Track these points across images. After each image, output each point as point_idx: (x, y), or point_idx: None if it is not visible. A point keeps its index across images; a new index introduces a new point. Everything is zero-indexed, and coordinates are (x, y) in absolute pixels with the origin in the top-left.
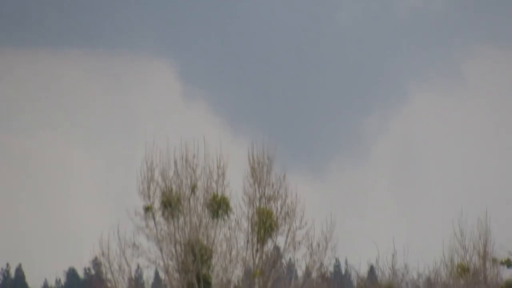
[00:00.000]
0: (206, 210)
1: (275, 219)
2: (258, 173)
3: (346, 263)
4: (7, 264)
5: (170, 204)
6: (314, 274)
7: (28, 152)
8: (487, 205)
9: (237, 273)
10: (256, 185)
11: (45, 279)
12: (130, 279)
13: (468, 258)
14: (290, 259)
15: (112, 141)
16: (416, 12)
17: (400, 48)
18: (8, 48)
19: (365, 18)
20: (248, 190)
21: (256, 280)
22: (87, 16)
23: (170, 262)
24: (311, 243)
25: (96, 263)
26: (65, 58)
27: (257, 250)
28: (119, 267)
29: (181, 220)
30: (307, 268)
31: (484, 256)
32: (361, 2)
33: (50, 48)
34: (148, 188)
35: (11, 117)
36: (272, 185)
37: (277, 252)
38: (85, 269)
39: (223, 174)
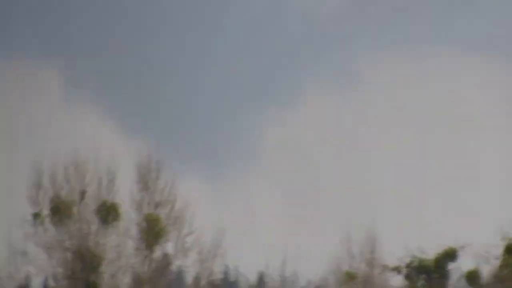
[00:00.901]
0: (96, 217)
1: (163, 225)
2: (146, 178)
3: (236, 269)
4: None
5: (59, 211)
6: (203, 281)
7: None
8: (374, 213)
9: (126, 280)
10: (144, 191)
11: None
12: (18, 287)
13: (355, 265)
14: (179, 266)
15: (0, 147)
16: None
17: (292, 51)
18: None
19: (254, 17)
20: (136, 196)
21: (145, 287)
22: None
23: (59, 269)
24: (201, 249)
25: None
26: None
27: (146, 257)
28: (8, 274)
29: (71, 227)
30: (196, 275)
31: (371, 263)
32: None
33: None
34: (37, 194)
35: None
36: (161, 191)
37: (166, 259)
38: None
39: (113, 180)
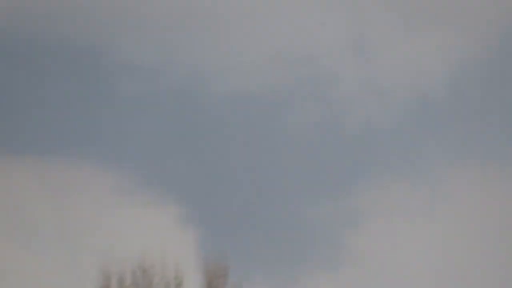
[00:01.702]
0: None
1: None
2: (213, 283)
3: None
4: None
5: None
6: None
7: None
8: None
9: None
10: None
11: None
12: None
13: None
14: None
15: (68, 250)
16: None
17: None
18: None
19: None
20: None
21: None
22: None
23: None
24: None
25: None
26: (14, 165)
27: None
28: None
29: None
30: None
31: None
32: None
33: (1, 154)
34: None
35: None
36: None
37: None
38: None
39: (180, 284)
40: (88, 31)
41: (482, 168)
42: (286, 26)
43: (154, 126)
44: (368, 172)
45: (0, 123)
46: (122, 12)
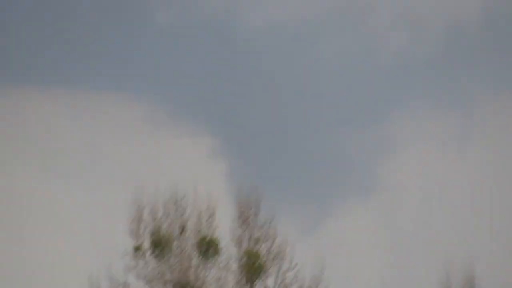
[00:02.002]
0: (196, 251)
1: (263, 261)
2: (246, 214)
3: None
4: None
5: (160, 244)
6: None
7: (14, 193)
8: (472, 254)
9: None
10: (244, 226)
11: None
12: None
13: None
14: None
15: (100, 182)
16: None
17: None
18: None
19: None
20: (236, 232)
21: None
22: (75, 55)
23: None
24: (301, 285)
25: None
26: (45, 97)
27: None
28: None
29: (171, 260)
30: None
31: None
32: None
33: (34, 87)
34: (138, 228)
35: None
36: (261, 226)
37: None
38: None
39: (213, 215)
40: None
41: None
42: None
43: (189, 57)
44: (402, 101)
45: (34, 57)
46: None
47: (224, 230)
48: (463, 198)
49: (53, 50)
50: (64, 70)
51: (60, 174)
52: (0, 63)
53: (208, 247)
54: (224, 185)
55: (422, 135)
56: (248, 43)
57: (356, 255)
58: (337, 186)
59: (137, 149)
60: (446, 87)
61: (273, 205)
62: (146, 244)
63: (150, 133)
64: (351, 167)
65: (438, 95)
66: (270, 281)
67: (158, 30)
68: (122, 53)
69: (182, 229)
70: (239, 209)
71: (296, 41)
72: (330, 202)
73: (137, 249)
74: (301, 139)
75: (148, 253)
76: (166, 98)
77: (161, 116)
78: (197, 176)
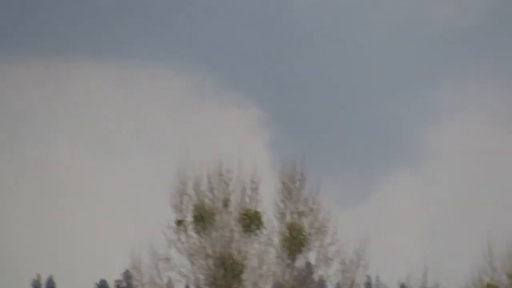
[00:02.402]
0: (239, 225)
1: (306, 235)
2: (289, 188)
3: (377, 280)
4: (38, 275)
5: (203, 218)
6: None
7: (60, 163)
8: None
9: None
10: (287, 200)
11: None
12: None
13: (497, 278)
14: (321, 275)
15: (144, 154)
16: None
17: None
18: (25, 55)
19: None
20: (279, 206)
21: None
22: (114, 26)
23: (201, 276)
24: (343, 259)
25: (127, 275)
26: (93, 68)
27: (288, 266)
28: (151, 279)
29: (213, 234)
30: (338, 285)
31: None
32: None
33: (78, 57)
34: (181, 201)
35: (37, 127)
36: (304, 201)
37: (308, 268)
38: (116, 282)
39: (256, 188)
40: None
41: None
42: None
43: (236, 29)
44: (450, 70)
45: (84, 28)
46: None
47: (268, 204)
48: (508, 169)
49: (102, 21)
50: (114, 42)
51: (105, 145)
52: (51, 33)
53: (251, 221)
54: (269, 158)
55: (471, 104)
56: (296, 14)
57: (399, 227)
58: (385, 155)
59: (183, 120)
60: (493, 57)
61: (318, 179)
62: (189, 218)
63: (196, 104)
64: (397, 136)
65: (485, 65)
66: (312, 256)
67: (207, 2)
68: (171, 25)
69: (226, 203)
70: (283, 183)
71: (345, 10)
72: (376, 173)
73: (179, 223)
74: (347, 109)
75: (190, 227)
76: (212, 70)
77: (206, 88)
78: (241, 149)
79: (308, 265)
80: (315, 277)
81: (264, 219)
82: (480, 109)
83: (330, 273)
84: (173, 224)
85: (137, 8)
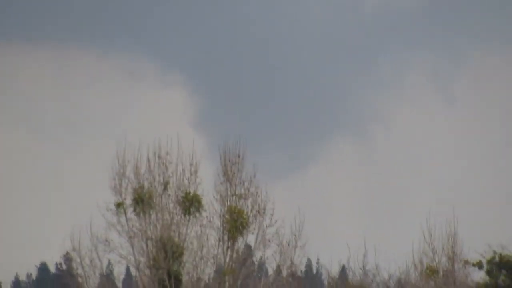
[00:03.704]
0: (178, 207)
1: (246, 217)
2: (229, 171)
3: (317, 262)
4: None
5: (142, 201)
6: (284, 273)
7: (0, 147)
8: (454, 207)
9: (208, 271)
10: (227, 183)
11: (16, 274)
12: (101, 275)
13: (437, 259)
14: (261, 257)
15: (83, 136)
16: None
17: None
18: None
19: (335, 14)
20: (219, 188)
21: (227, 278)
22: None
23: (142, 258)
24: (281, 241)
25: (67, 258)
26: (37, 50)
27: (228, 248)
28: (91, 262)
29: (153, 216)
30: (277, 266)
31: (452, 258)
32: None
33: (20, 41)
34: (120, 184)
35: None
36: (243, 184)
37: (247, 250)
38: (56, 264)
39: (196, 171)
40: None
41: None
42: None
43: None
44: (387, 47)
45: (16, 12)
46: None
47: (207, 186)
48: (448, 143)
49: (35, 3)
50: (46, 23)
51: (42, 127)
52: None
53: (190, 204)
54: (208, 140)
55: (409, 77)
56: None
57: (338, 205)
58: (324, 125)
59: (120, 102)
60: (430, 35)
61: (255, 160)
62: (129, 200)
63: (133, 85)
64: (338, 102)
65: (422, 42)
66: (251, 238)
67: None
68: (100, 5)
69: (165, 186)
70: (222, 165)
71: None
72: (315, 143)
73: (119, 205)
74: (286, 81)
75: (130, 210)
76: (141, 48)
77: (144, 68)
78: (180, 131)
79: (248, 247)
80: (255, 259)
81: (204, 201)
82: (420, 75)
83: (268, 255)
84: (113, 207)
85: None
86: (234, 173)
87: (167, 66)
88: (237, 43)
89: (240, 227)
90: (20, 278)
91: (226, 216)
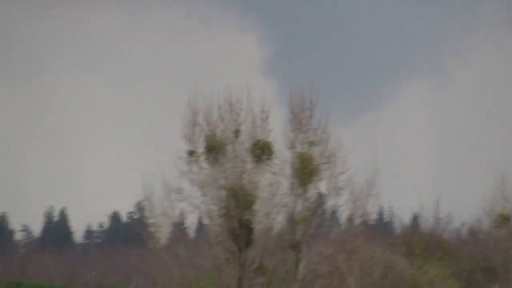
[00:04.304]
0: (250, 155)
1: (316, 164)
2: (299, 117)
3: (390, 210)
4: (51, 207)
5: (214, 149)
6: (357, 221)
7: (72, 95)
8: None
9: (280, 219)
10: (297, 130)
11: (88, 223)
12: (173, 224)
13: (509, 207)
14: (333, 205)
15: (156, 85)
16: None
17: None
18: None
19: None
20: (290, 135)
21: (298, 226)
22: None
23: (213, 207)
24: (354, 189)
25: (139, 207)
26: (104, 3)
27: (299, 196)
28: (163, 211)
29: (225, 165)
30: (350, 215)
31: None
32: None
33: None
34: (192, 132)
35: (53, 59)
36: (314, 130)
37: (319, 198)
38: (128, 213)
39: (267, 119)
40: None
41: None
42: None
43: None
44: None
45: None
46: None
47: (278, 134)
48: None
49: None
50: None
51: (114, 76)
52: None
53: (262, 151)
54: (279, 88)
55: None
56: None
57: (410, 151)
58: (394, 69)
59: (188, 47)
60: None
61: (327, 108)
62: (200, 148)
63: (200, 30)
64: (407, 50)
65: None
66: (322, 185)
67: None
68: None
69: (237, 133)
70: (292, 113)
71: None
72: (386, 87)
73: (191, 153)
74: (346, 45)
75: (202, 158)
76: None
77: (214, 14)
78: (251, 80)
79: (319, 195)
80: (327, 207)
81: (275, 149)
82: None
83: (341, 203)
84: (185, 155)
85: None
86: (304, 120)
87: (242, 11)
88: None
89: (310, 175)
90: (92, 228)
91: (296, 163)
